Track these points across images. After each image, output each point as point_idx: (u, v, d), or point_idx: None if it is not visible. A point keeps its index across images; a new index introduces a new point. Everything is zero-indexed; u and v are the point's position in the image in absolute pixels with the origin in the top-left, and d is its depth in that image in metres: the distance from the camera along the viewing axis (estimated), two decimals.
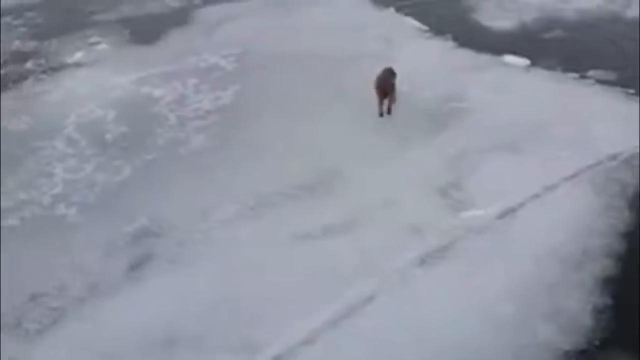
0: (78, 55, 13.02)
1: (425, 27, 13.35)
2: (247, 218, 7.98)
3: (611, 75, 10.86)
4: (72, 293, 7.04)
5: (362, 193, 8.29)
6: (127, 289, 7.00)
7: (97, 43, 13.57)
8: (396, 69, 9.88)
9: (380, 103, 9.89)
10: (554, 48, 12.09)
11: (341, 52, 12.09)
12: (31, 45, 13.66)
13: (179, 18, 14.78)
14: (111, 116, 10.49)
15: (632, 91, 10.34)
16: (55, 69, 12.49)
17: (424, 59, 11.95)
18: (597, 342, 6.23)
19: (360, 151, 9.11)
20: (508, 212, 7.84)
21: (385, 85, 9.76)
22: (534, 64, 11.41)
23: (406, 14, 14.01)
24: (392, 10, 14.32)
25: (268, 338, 6.31)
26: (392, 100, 9.97)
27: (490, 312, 6.52)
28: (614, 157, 8.75)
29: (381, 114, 9.95)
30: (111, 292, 6.97)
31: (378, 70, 9.88)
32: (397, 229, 7.67)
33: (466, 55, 11.95)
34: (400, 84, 9.94)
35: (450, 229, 7.62)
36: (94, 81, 11.74)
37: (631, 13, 13.50)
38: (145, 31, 14.04)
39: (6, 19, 15.09)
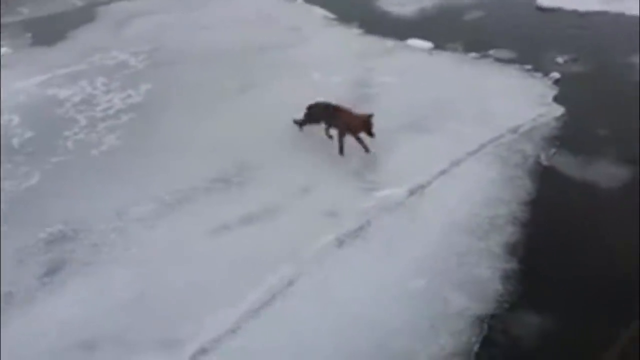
0: None
1: (333, 16, 13.58)
2: (164, 215, 7.89)
3: (509, 54, 11.46)
4: None
5: (277, 182, 8.36)
6: (43, 295, 6.80)
7: None
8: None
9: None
10: (455, 30, 12.60)
11: (251, 45, 12.15)
12: None
13: (84, 16, 14.44)
14: (16, 121, 10.11)
15: (528, 67, 10.93)
16: None
17: (332, 46, 12.17)
18: (506, 306, 6.56)
19: (274, 142, 9.19)
20: (418, 189, 8.13)
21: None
22: (436, 46, 11.85)
23: (314, 4, 14.19)
24: (300, 0, 14.47)
25: (191, 331, 6.29)
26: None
27: (404, 287, 6.74)
28: (514, 130, 9.21)
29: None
30: (26, 300, 6.75)
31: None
32: (314, 214, 7.80)
33: (373, 41, 12.26)
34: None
35: (365, 210, 7.82)
36: None
37: None
38: (49, 32, 13.62)
39: None
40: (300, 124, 9.32)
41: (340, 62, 11.35)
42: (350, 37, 12.53)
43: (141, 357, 6.09)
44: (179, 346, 6.16)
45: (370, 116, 8.58)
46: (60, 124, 10.00)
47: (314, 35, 12.60)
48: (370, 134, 8.62)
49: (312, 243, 7.32)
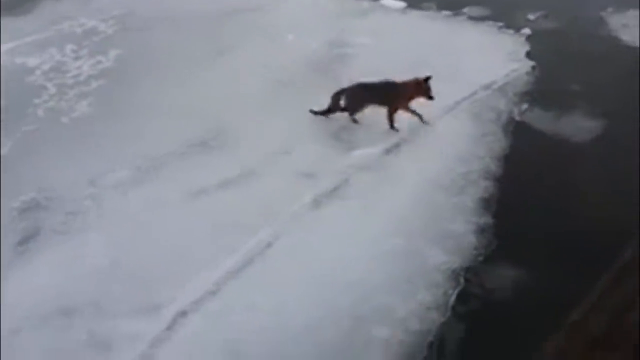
0: None
1: None
2: (139, 181, 7.81)
3: (482, 11, 11.41)
4: None
5: (254, 145, 8.30)
6: (17, 264, 6.73)
7: None
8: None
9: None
10: None
11: (223, 8, 11.90)
12: None
13: None
14: None
15: (500, 24, 10.94)
16: None
17: (306, 8, 11.98)
18: (481, 259, 6.69)
19: (250, 105, 9.09)
20: (394, 147, 8.17)
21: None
22: (410, 5, 11.79)
23: None
24: None
25: (170, 295, 6.28)
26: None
27: (382, 245, 6.81)
28: (487, 86, 9.25)
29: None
30: (2, 269, 6.65)
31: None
32: (291, 176, 7.80)
33: (347, 2, 12.11)
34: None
35: (342, 169, 7.85)
36: None
37: None
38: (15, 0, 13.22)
39: None
40: (328, 112, 8.70)
41: (314, 23, 11.22)
42: None
43: (121, 322, 6.07)
44: (158, 310, 6.16)
45: (427, 79, 8.18)
46: (30, 91, 9.76)
47: None
48: (430, 97, 8.22)
49: (290, 204, 7.33)
